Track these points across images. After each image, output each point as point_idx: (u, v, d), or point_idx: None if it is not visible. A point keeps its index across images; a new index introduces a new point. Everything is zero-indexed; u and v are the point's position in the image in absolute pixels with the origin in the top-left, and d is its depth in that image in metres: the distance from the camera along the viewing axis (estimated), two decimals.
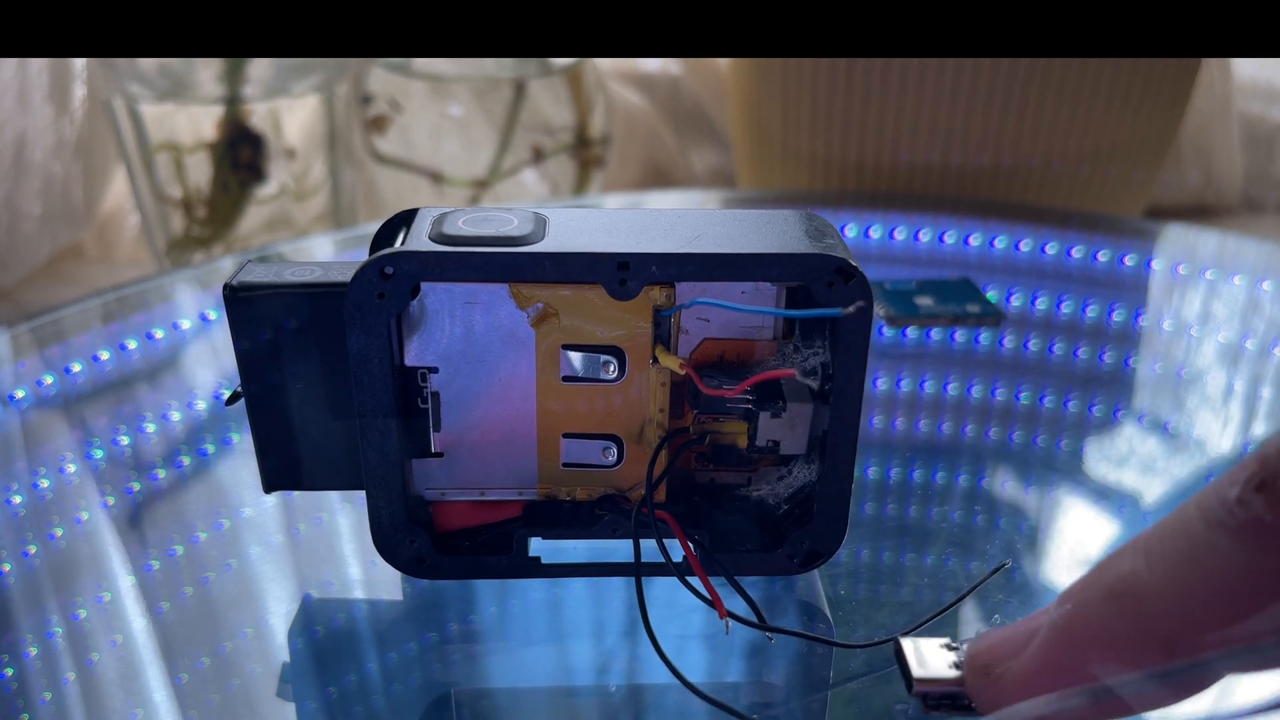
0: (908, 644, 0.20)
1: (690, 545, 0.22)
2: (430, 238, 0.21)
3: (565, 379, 0.22)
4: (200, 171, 0.57)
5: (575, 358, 0.22)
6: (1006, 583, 0.25)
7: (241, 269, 0.23)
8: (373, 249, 0.24)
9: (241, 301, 0.22)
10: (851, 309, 0.19)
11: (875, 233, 0.50)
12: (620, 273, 0.21)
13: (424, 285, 0.21)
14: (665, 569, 0.22)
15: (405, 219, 0.23)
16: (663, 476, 0.23)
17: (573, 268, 0.21)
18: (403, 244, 0.21)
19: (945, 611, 0.23)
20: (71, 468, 0.31)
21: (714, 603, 0.21)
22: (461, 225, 0.21)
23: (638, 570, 0.22)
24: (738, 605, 0.22)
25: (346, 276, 0.21)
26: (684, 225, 0.22)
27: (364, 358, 0.21)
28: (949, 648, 0.20)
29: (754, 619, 0.22)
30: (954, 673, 0.19)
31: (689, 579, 0.22)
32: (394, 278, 0.20)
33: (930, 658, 0.20)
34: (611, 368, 0.22)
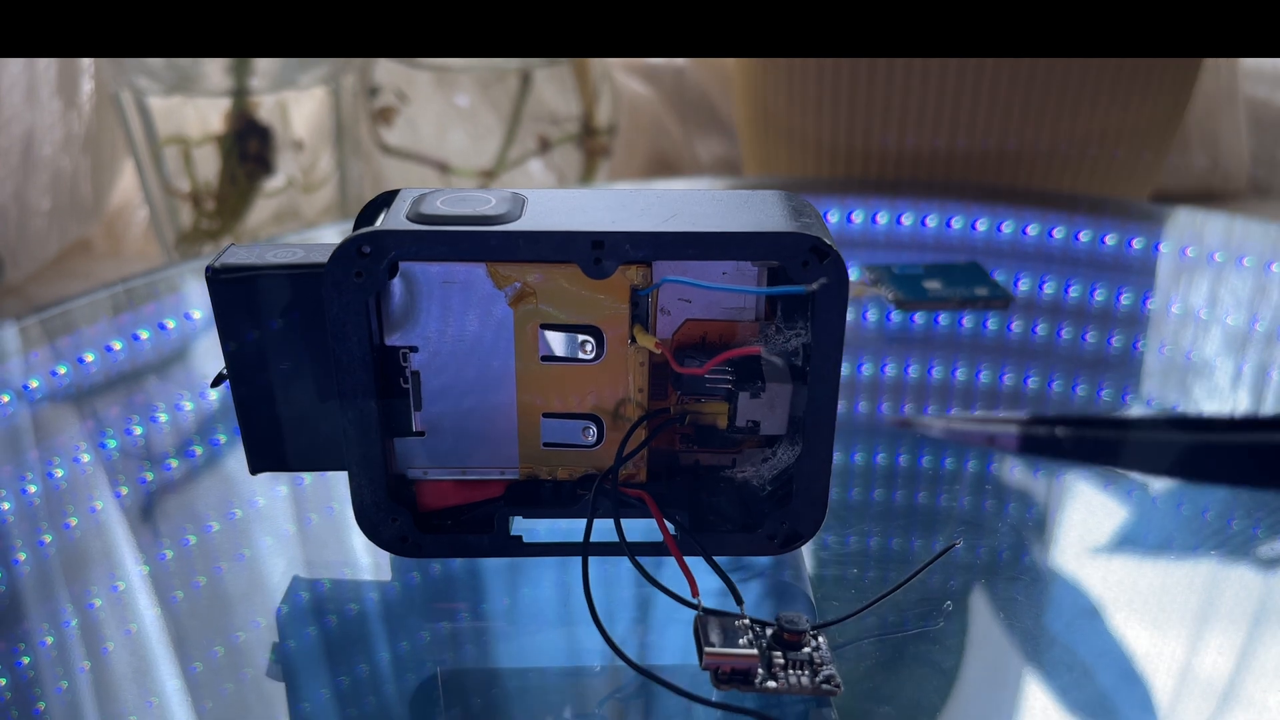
0: (706, 619, 0.21)
1: (667, 524, 0.22)
2: (407, 217, 0.21)
3: (544, 359, 0.22)
4: (208, 164, 0.58)
5: (553, 337, 0.22)
6: (968, 561, 0.25)
7: (224, 251, 0.23)
8: (355, 229, 0.24)
9: (224, 283, 0.22)
10: (815, 285, 0.19)
11: (882, 219, 0.49)
12: (595, 251, 0.21)
13: (403, 265, 0.22)
14: (654, 548, 0.23)
15: (387, 200, 0.23)
16: (635, 453, 0.23)
17: (547, 246, 0.21)
18: (381, 224, 0.21)
19: (893, 592, 0.23)
20: (86, 457, 0.31)
21: (688, 579, 0.21)
22: (439, 205, 0.21)
23: (585, 550, 0.22)
24: (711, 584, 0.22)
25: (327, 257, 0.21)
26: (661, 204, 0.22)
27: (343, 336, 0.21)
28: (745, 625, 0.21)
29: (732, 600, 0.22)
30: (748, 649, 0.20)
31: (667, 558, 0.22)
32: (370, 256, 0.21)
33: (726, 633, 0.20)
34: (589, 347, 0.22)
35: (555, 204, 0.22)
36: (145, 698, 0.22)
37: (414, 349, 0.22)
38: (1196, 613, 0.24)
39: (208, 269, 0.22)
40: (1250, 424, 0.15)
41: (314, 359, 0.23)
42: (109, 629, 0.24)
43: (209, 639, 0.23)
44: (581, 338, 0.22)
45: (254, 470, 0.24)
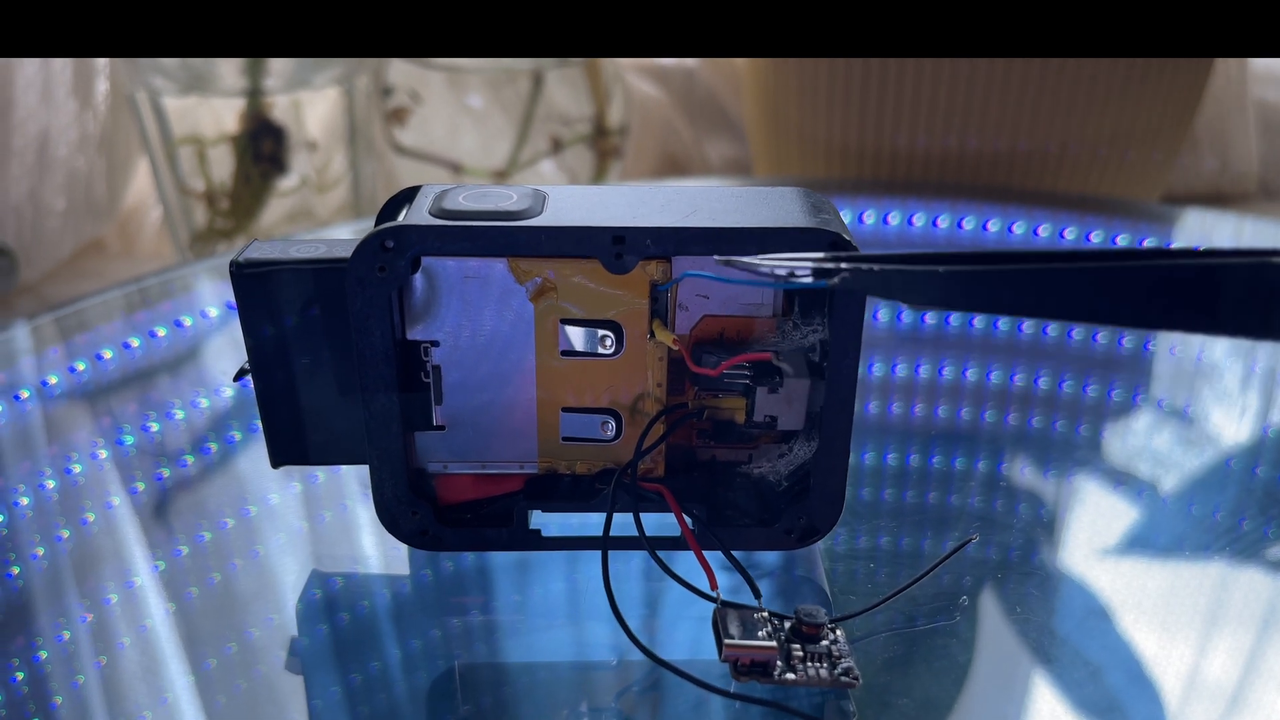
0: (724, 612, 0.21)
1: (685, 518, 0.22)
2: (430, 212, 0.21)
3: (564, 353, 0.23)
4: (223, 164, 0.58)
5: (573, 332, 0.22)
6: (982, 558, 0.25)
7: (248, 246, 0.23)
8: (377, 225, 0.24)
9: (248, 278, 0.23)
10: (836, 280, 0.19)
11: (893, 219, 0.50)
12: (615, 246, 0.21)
13: (425, 260, 0.22)
14: (672, 542, 0.23)
15: (408, 196, 0.23)
16: (653, 448, 0.23)
17: (568, 241, 0.21)
18: (404, 219, 0.21)
19: (911, 586, 0.23)
20: (103, 454, 0.31)
21: (705, 572, 0.21)
22: (461, 201, 0.22)
23: (604, 544, 0.22)
24: (727, 578, 0.22)
25: (349, 252, 0.21)
26: (681, 200, 0.22)
27: (366, 331, 0.21)
28: (763, 617, 0.21)
29: (750, 592, 0.22)
30: (768, 642, 0.20)
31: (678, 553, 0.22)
32: (394, 251, 0.21)
33: (745, 626, 0.20)
34: (609, 342, 0.22)
35: (576, 200, 0.22)
36: (160, 694, 0.22)
37: (435, 344, 0.22)
38: (1207, 613, 0.24)
39: (232, 263, 0.22)
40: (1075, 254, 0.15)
41: (336, 353, 0.23)
42: (124, 625, 0.24)
43: (223, 635, 0.24)
44: (601, 333, 0.22)
45: (275, 463, 0.24)
